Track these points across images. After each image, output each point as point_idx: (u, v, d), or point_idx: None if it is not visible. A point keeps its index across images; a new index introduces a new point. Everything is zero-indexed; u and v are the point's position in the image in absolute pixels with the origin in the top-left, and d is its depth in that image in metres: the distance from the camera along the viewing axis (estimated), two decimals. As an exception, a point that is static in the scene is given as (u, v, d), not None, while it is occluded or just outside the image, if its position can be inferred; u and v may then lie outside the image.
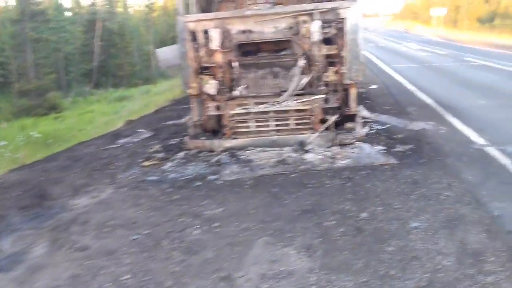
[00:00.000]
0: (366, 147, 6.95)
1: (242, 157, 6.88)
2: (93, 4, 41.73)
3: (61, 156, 8.15)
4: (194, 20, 7.10)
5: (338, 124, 7.37)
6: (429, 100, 10.72)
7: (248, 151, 7.04)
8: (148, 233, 4.63)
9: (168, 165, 6.97)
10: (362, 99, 11.21)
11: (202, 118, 7.62)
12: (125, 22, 43.64)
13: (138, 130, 9.77)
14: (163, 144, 8.03)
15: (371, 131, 7.92)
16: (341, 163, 6.41)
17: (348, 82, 6.98)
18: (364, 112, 9.41)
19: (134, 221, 4.98)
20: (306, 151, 6.86)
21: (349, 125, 7.34)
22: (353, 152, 6.78)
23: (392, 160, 6.34)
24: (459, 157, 6.38)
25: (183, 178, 6.33)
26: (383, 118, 9.05)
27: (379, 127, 8.31)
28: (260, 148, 7.08)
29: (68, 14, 43.35)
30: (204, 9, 8.37)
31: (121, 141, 8.90)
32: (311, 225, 4.53)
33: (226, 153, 7.06)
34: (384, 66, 19.02)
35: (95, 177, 6.68)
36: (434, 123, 8.36)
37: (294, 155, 6.78)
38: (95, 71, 38.65)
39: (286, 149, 6.98)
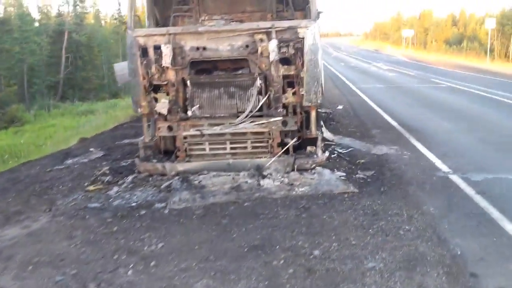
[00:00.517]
0: (327, 173, 6.59)
1: (195, 182, 6.42)
2: (60, 15, 40.73)
3: (0, 178, 7.50)
4: (144, 35, 6.65)
5: (298, 148, 7.01)
6: (394, 123, 10.52)
7: (202, 176, 6.58)
8: (75, 274, 4.10)
9: (114, 190, 6.44)
10: (327, 120, 10.97)
11: (155, 139, 7.15)
12: (93, 34, 42.74)
13: (90, 149, 9.18)
14: (112, 166, 7.48)
15: (333, 155, 7.59)
16: (298, 190, 6.02)
17: (307, 104, 6.63)
18: (328, 134, 9.10)
19: (63, 257, 4.44)
20: (263, 177, 6.44)
21: (309, 149, 6.98)
22: (312, 178, 6.40)
23: (352, 188, 5.99)
24: (421, 185, 6.08)
25: (127, 205, 5.83)
26: (347, 141, 8.75)
27: (341, 150, 8.00)
28: (215, 173, 6.63)
29: (35, 24, 42.24)
30: (160, 24, 7.96)
31: (69, 161, 8.30)
32: (258, 264, 4.08)
33: (178, 177, 6.57)
34: (352, 86, 18.95)
35: (32, 204, 6.09)
36: (397, 147, 8.10)
37: (250, 180, 6.36)
38: (62, 83, 37.57)
39: (243, 174, 6.54)
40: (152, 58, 6.67)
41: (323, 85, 6.84)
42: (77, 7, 41.16)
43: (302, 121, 6.97)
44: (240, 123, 6.68)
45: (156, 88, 6.89)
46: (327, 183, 6.21)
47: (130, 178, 6.84)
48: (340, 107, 13.24)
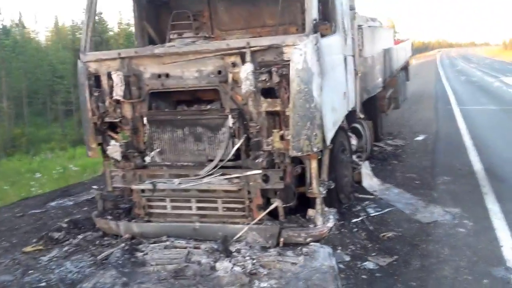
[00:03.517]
0: (321, 254, 4.51)
1: (139, 254, 4.80)
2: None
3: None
4: (95, 60, 5.25)
5: (297, 211, 5.04)
6: (478, 166, 7.74)
7: (153, 245, 4.94)
8: None
9: (50, 255, 5.15)
10: (390, 157, 8.61)
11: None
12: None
13: (93, 187, 8.06)
14: (78, 217, 6.18)
15: (354, 220, 5.43)
16: (258, 287, 4.06)
17: (296, 153, 4.62)
18: (372, 182, 6.87)
19: None
20: (228, 254, 4.59)
21: (310, 213, 4.95)
22: (293, 263, 4.39)
23: (338, 293, 3.87)
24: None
25: (31, 286, 4.45)
26: (392, 194, 6.44)
27: (373, 211, 5.78)
28: (170, 242, 4.95)
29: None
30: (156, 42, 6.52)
31: (53, 203, 7.24)
32: None
33: (124, 244, 5.01)
34: (456, 108, 15.71)
35: None
36: (458, 211, 5.61)
37: (205, 260, 4.54)
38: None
39: (204, 247, 4.77)
40: (106, 89, 5.24)
41: (326, 126, 4.76)
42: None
43: (297, 175, 4.96)
44: (205, 176, 4.91)
45: (113, 127, 5.45)
46: (306, 277, 4.14)
47: (79, 237, 5.49)
48: (420, 137, 10.58)
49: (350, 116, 6.65)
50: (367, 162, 7.27)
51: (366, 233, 5.09)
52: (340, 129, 5.89)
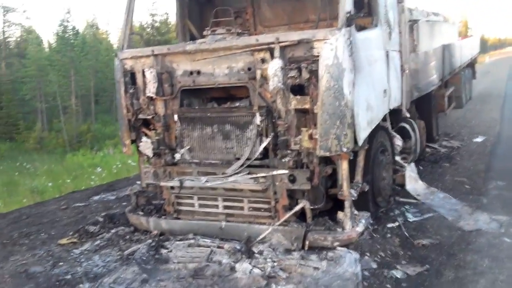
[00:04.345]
0: (347, 260, 4.27)
1: (163, 251, 4.79)
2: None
3: (14, 213, 6.99)
4: (131, 57, 5.30)
5: (331, 213, 4.83)
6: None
7: (177, 243, 4.92)
8: None
9: (82, 248, 5.27)
10: (442, 159, 8.10)
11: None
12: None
13: (137, 182, 8.23)
14: (115, 212, 6.32)
15: (391, 225, 5.13)
16: (273, 292, 3.92)
17: (324, 153, 4.40)
18: (417, 185, 6.45)
19: None
20: (250, 255, 4.48)
21: (340, 216, 4.71)
22: (315, 268, 4.19)
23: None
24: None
25: (62, 277, 4.57)
26: (437, 199, 6.02)
27: (412, 216, 5.43)
28: (194, 240, 4.91)
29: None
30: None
31: (96, 197, 7.46)
32: None
33: (152, 241, 5.02)
34: (525, 108, 14.61)
35: (-14, 257, 5.27)
36: (506, 220, 5.12)
37: (226, 260, 4.45)
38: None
39: (228, 246, 4.68)
40: (141, 86, 5.29)
41: (359, 125, 4.50)
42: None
43: (326, 176, 4.74)
44: (231, 175, 4.82)
45: (147, 124, 5.49)
46: (326, 283, 3.94)
47: (112, 232, 5.60)
48: (479, 139, 9.88)
49: (397, 115, 6.32)
50: (413, 164, 6.84)
51: (400, 239, 4.77)
52: (381, 128, 5.61)
